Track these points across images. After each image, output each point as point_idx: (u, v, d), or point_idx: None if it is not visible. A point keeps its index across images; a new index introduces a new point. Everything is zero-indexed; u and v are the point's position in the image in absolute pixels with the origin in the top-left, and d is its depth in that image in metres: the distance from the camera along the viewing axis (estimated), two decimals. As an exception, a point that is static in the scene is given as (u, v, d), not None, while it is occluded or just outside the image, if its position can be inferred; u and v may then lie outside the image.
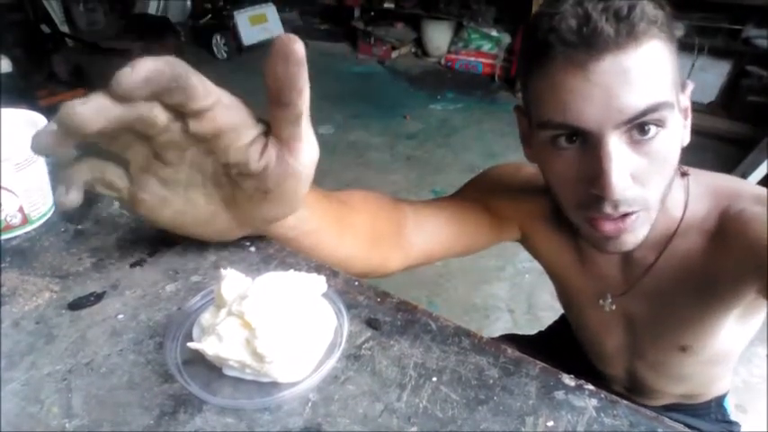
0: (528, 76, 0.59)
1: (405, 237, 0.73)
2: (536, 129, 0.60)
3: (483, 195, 0.83)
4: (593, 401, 0.49)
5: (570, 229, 0.76)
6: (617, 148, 0.54)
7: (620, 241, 0.60)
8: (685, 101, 0.62)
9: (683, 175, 0.70)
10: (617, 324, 0.81)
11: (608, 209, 0.57)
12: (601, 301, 0.78)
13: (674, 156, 0.59)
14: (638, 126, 0.54)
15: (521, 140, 0.70)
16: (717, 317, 0.72)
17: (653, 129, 0.55)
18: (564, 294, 0.87)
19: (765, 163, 2.76)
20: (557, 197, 0.64)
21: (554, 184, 0.63)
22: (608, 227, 0.59)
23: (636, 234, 0.60)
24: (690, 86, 0.63)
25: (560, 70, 0.54)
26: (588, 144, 0.56)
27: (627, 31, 0.52)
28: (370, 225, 0.68)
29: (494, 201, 0.83)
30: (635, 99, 0.53)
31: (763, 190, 0.66)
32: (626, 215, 0.58)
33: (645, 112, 0.53)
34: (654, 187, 0.58)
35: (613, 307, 0.78)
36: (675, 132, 0.57)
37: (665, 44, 0.55)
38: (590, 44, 0.52)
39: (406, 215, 0.75)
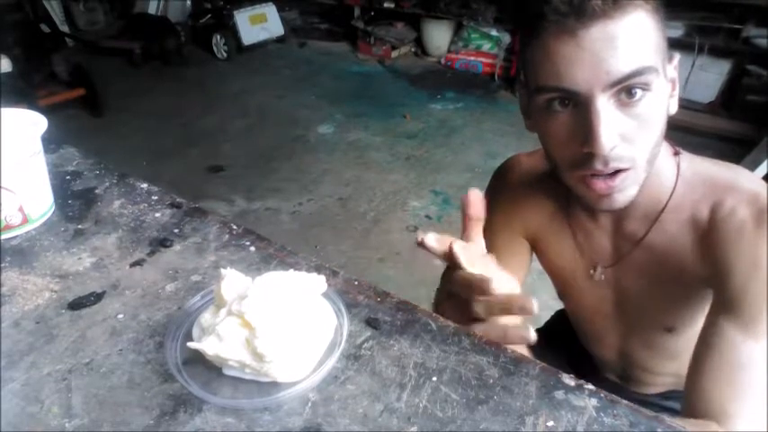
0: (524, 46, 0.64)
1: None
2: (533, 94, 0.64)
3: (500, 234, 0.88)
4: (593, 401, 0.49)
5: (564, 203, 0.80)
6: (605, 108, 0.58)
7: (612, 199, 0.65)
8: (672, 72, 0.66)
9: (676, 154, 0.73)
10: (607, 298, 0.84)
11: (598, 165, 0.61)
12: (591, 271, 0.82)
13: (660, 119, 0.63)
14: (626, 89, 0.58)
15: (521, 112, 0.74)
16: (699, 302, 0.75)
17: (639, 92, 0.59)
18: (557, 274, 0.89)
19: (766, 162, 2.76)
20: (553, 160, 0.68)
21: (550, 146, 0.67)
22: (600, 184, 0.63)
23: (625, 193, 0.64)
24: (676, 57, 0.67)
25: (553, 38, 0.58)
26: (579, 106, 0.61)
27: (613, 0, 0.57)
28: None
29: (506, 231, 0.88)
30: (621, 63, 0.57)
31: (760, 185, 0.68)
32: (616, 173, 0.62)
33: (630, 76, 0.57)
34: (641, 147, 0.62)
35: (602, 277, 0.81)
36: (661, 97, 0.61)
37: (650, 15, 0.59)
38: (580, 13, 0.56)
39: None
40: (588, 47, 0.57)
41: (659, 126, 0.62)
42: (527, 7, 0.61)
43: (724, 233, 0.67)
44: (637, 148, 0.61)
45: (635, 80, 0.58)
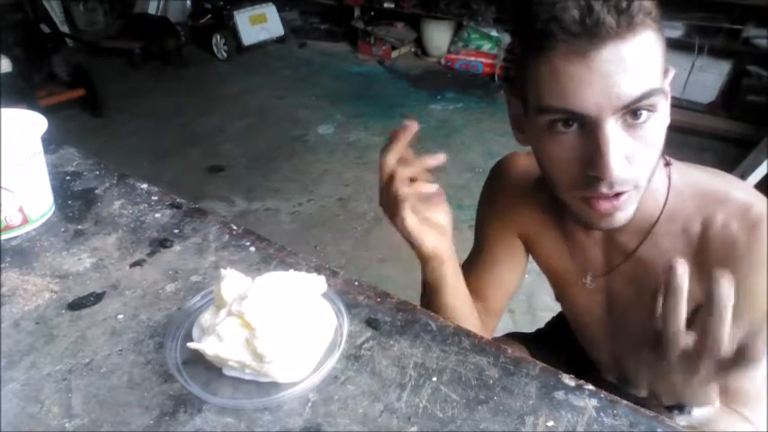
0: (527, 62, 0.62)
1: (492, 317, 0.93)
2: (534, 113, 0.63)
3: (496, 233, 0.90)
4: (593, 401, 0.49)
5: (557, 212, 0.80)
6: (614, 131, 0.57)
7: (613, 218, 0.64)
8: (666, 86, 0.65)
9: (666, 165, 0.72)
10: (599, 304, 0.83)
11: (604, 189, 0.60)
12: (583, 279, 0.82)
13: (662, 137, 0.62)
14: (632, 111, 0.57)
15: (511, 125, 0.72)
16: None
17: (645, 113, 0.58)
18: (552, 276, 0.89)
19: (765, 163, 2.75)
20: (550, 178, 0.67)
21: (549, 166, 0.66)
22: (603, 205, 0.62)
23: (626, 212, 0.64)
24: (671, 72, 0.66)
25: (562, 58, 0.56)
26: (586, 128, 0.58)
27: (627, 22, 0.55)
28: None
29: (502, 231, 0.89)
30: (632, 86, 0.55)
31: (752, 194, 0.67)
32: (619, 194, 0.61)
33: (640, 99, 0.56)
34: (643, 167, 0.61)
35: (593, 285, 0.81)
36: (663, 116, 0.61)
37: (657, 34, 0.58)
38: (592, 34, 0.54)
39: (485, 304, 0.91)
40: (599, 69, 0.55)
41: (660, 145, 0.62)
42: (533, 24, 0.58)
43: (716, 250, 0.66)
44: (639, 168, 0.60)
45: (643, 103, 0.56)
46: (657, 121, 0.59)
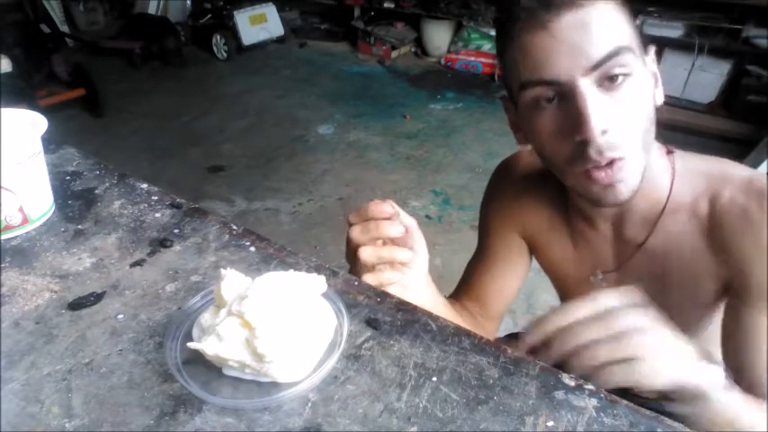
0: (503, 51, 0.65)
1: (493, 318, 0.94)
2: (518, 95, 0.65)
3: (498, 233, 0.90)
4: (593, 401, 0.49)
5: (563, 208, 0.80)
6: (590, 90, 0.59)
7: (616, 190, 0.64)
8: (652, 65, 0.66)
9: (669, 153, 0.73)
10: None
11: (593, 154, 0.61)
12: (592, 278, 0.81)
13: (646, 103, 0.63)
14: (607, 76, 0.59)
15: (511, 128, 0.74)
16: (704, 309, 0.74)
17: (621, 77, 0.60)
18: (556, 277, 0.88)
19: (765, 162, 2.76)
20: (547, 160, 0.68)
21: (542, 146, 0.67)
22: (600, 174, 0.63)
23: (627, 183, 0.64)
24: (652, 49, 0.67)
25: (527, 33, 0.60)
26: (565, 98, 0.61)
27: None
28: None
29: (504, 230, 0.89)
30: (597, 47, 0.58)
31: (750, 172, 0.69)
32: (612, 162, 0.62)
33: (609, 57, 0.58)
34: (631, 132, 0.62)
35: (603, 284, 0.80)
36: (643, 81, 0.62)
37: (618, 8, 0.60)
38: (548, 4, 0.58)
39: (481, 310, 0.92)
40: (562, 36, 0.58)
41: (646, 111, 0.63)
42: (502, 14, 0.63)
43: (729, 224, 0.66)
44: (627, 134, 0.61)
45: (614, 61, 0.59)
46: (636, 85, 0.61)
